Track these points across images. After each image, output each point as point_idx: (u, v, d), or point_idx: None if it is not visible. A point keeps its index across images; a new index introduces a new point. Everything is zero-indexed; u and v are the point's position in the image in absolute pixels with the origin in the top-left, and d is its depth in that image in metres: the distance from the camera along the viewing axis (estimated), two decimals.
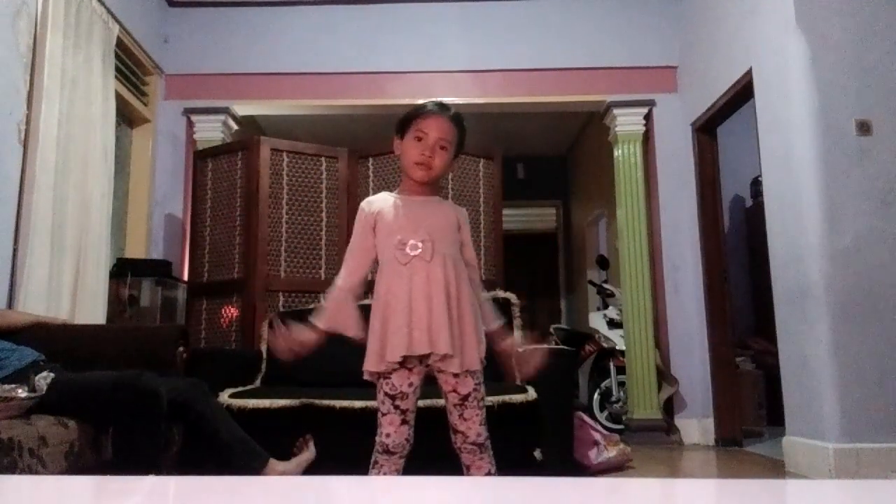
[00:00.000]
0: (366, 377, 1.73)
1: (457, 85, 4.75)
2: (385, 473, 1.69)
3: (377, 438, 1.71)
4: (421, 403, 1.77)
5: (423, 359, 1.69)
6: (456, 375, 1.69)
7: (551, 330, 5.70)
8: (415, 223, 1.71)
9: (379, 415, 1.73)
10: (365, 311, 1.73)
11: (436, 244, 1.69)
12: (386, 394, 1.71)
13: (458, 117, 1.77)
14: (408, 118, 1.76)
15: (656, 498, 0.96)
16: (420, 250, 1.67)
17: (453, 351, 1.64)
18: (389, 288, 1.69)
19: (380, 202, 1.79)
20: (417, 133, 1.71)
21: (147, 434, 2.06)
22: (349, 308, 1.73)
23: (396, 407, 1.70)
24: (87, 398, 2.07)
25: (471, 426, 1.72)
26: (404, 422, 1.71)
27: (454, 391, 1.71)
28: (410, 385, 1.71)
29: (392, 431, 1.71)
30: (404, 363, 1.68)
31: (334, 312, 1.73)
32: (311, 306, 1.89)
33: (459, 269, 1.72)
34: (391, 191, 1.85)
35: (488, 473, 1.75)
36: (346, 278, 1.77)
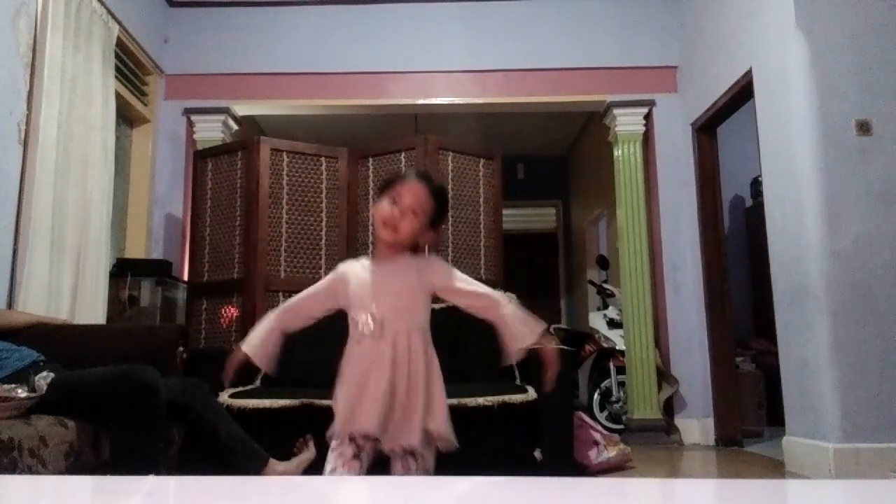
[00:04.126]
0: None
1: (457, 85, 4.75)
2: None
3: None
4: None
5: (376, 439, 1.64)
6: (408, 452, 1.63)
7: (551, 330, 5.70)
8: (371, 297, 1.67)
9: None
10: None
11: (387, 321, 1.63)
12: (337, 456, 1.64)
13: (438, 189, 1.75)
14: (388, 181, 1.76)
15: (656, 498, 0.96)
16: (371, 328, 1.63)
17: (381, 432, 1.58)
18: (349, 367, 1.68)
19: (349, 268, 1.76)
20: (393, 195, 1.70)
21: (145, 427, 2.06)
22: (270, 342, 1.76)
23: (343, 465, 1.63)
24: (85, 393, 2.07)
25: (402, 466, 1.65)
26: (356, 457, 1.64)
27: (399, 466, 1.65)
28: (359, 456, 1.64)
29: (339, 466, 1.63)
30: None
31: (257, 341, 1.75)
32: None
33: (416, 343, 1.65)
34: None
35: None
36: (284, 313, 1.79)
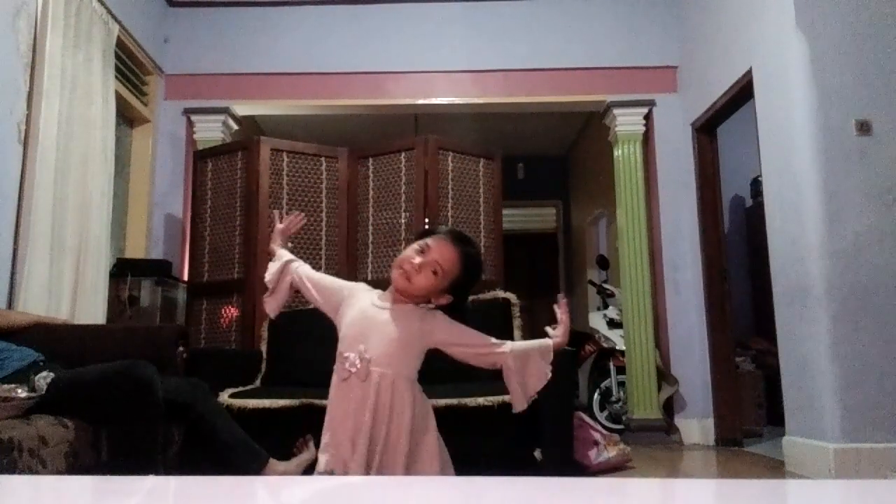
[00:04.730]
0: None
1: (457, 85, 4.75)
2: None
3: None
4: None
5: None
6: None
7: (548, 331, 5.69)
8: (363, 336, 1.63)
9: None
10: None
11: (372, 365, 1.60)
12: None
13: (471, 258, 1.67)
14: (428, 230, 1.72)
15: (656, 498, 0.96)
16: (357, 368, 1.60)
17: (366, 471, 1.56)
18: (333, 398, 1.65)
19: (362, 294, 1.73)
20: (423, 245, 1.64)
21: (143, 423, 2.06)
22: (284, 283, 1.82)
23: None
24: (83, 390, 2.06)
25: None
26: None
27: None
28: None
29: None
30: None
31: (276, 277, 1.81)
32: (311, 307, 1.87)
33: (400, 390, 1.60)
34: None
35: None
36: (304, 267, 1.83)
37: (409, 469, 1.58)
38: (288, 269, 1.82)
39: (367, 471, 1.56)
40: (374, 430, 1.57)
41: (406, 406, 1.60)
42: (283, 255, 1.86)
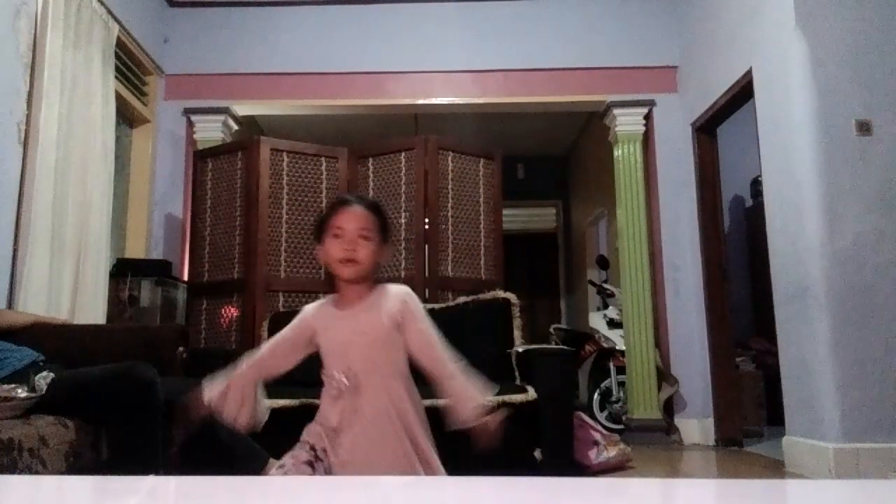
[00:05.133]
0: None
1: (456, 85, 4.75)
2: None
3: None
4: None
5: None
6: None
7: (551, 330, 5.70)
8: (342, 350, 1.59)
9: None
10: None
11: (361, 376, 1.56)
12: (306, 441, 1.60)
13: (373, 205, 1.65)
14: (322, 220, 1.65)
15: (656, 498, 0.96)
16: (347, 384, 1.56)
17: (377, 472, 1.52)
18: (323, 413, 1.62)
19: (315, 317, 1.66)
20: (335, 231, 1.59)
21: (144, 425, 2.06)
22: (249, 396, 1.60)
23: (313, 448, 1.60)
24: (83, 392, 2.06)
25: None
26: (309, 464, 1.60)
27: None
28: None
29: (290, 466, 1.60)
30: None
31: (228, 394, 1.58)
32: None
33: (395, 389, 1.57)
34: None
35: None
36: (258, 367, 1.64)
37: (411, 461, 1.54)
38: (235, 383, 1.59)
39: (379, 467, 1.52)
40: (381, 434, 1.54)
41: (408, 406, 1.57)
42: (214, 385, 1.59)
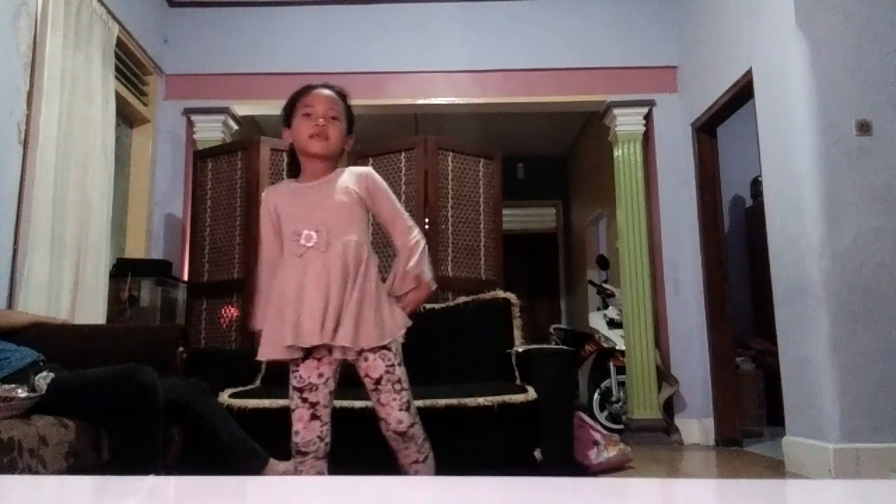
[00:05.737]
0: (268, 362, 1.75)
1: (457, 85, 4.75)
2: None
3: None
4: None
5: (331, 349, 1.67)
6: (365, 359, 1.66)
7: (551, 330, 5.70)
8: (310, 212, 1.68)
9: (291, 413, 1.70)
10: None
11: (331, 232, 1.65)
12: (294, 387, 1.69)
13: (340, 92, 1.77)
14: (290, 102, 1.75)
15: (656, 498, 0.96)
16: (315, 241, 1.64)
17: (348, 338, 1.61)
18: (286, 279, 1.67)
19: (277, 194, 1.77)
20: (305, 110, 1.69)
21: (144, 428, 2.06)
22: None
23: (305, 400, 1.67)
24: (84, 393, 2.06)
25: (390, 412, 1.68)
26: (314, 417, 1.67)
27: (367, 375, 1.69)
28: (320, 376, 1.68)
29: (301, 428, 1.68)
30: (311, 353, 1.66)
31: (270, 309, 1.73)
32: None
33: (361, 253, 1.68)
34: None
35: (415, 462, 1.71)
36: (270, 277, 1.77)
37: (380, 317, 1.65)
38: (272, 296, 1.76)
39: (322, 336, 1.60)
40: (343, 292, 1.62)
41: (367, 264, 1.67)
42: (258, 316, 1.80)
